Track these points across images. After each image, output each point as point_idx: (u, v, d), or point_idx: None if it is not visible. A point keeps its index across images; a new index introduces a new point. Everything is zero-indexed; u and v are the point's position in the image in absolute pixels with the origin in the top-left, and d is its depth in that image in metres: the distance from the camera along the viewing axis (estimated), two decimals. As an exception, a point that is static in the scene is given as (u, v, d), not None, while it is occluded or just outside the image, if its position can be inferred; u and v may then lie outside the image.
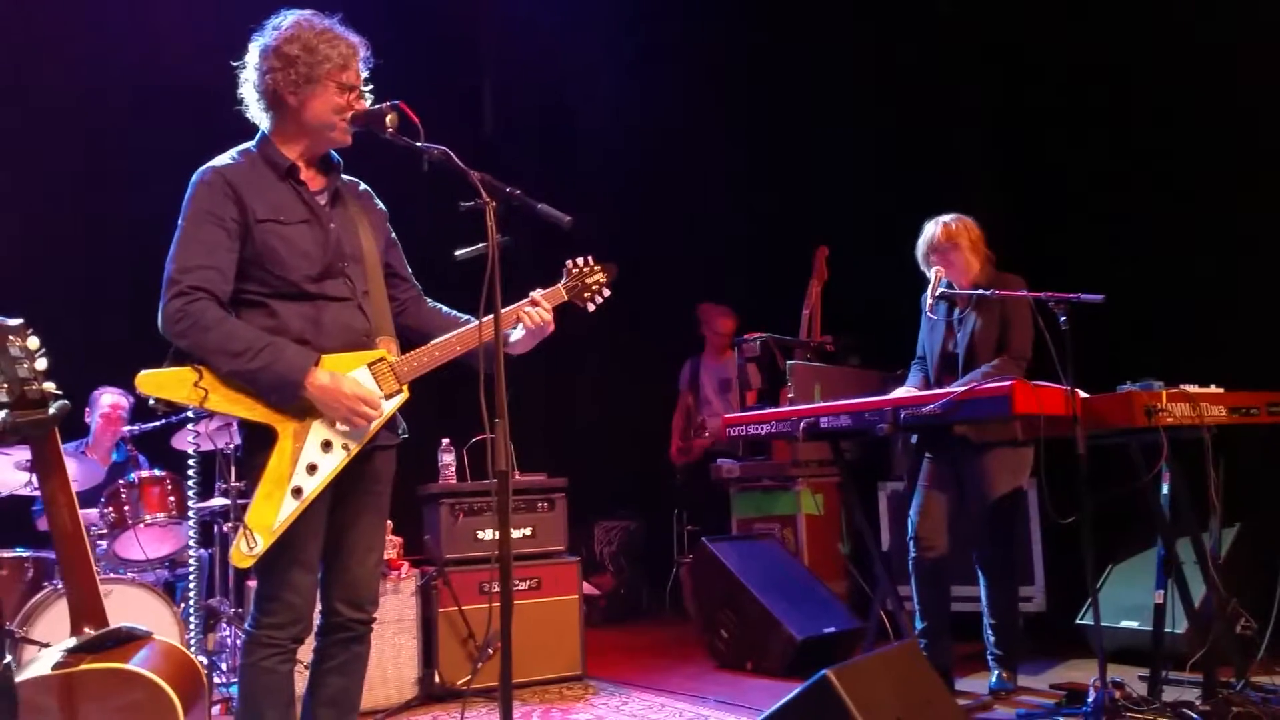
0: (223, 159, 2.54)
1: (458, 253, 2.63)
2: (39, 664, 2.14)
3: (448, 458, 4.74)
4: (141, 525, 4.47)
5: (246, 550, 2.30)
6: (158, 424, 4.60)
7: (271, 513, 2.36)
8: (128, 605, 4.13)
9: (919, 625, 4.02)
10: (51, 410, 2.08)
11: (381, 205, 2.81)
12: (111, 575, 4.31)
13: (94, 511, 4.55)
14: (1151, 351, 4.43)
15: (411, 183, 2.64)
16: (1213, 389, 3.58)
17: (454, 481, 4.69)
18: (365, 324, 2.57)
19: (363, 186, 2.78)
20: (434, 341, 2.61)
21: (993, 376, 3.69)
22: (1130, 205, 5.16)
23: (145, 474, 4.63)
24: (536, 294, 2.72)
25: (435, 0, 6.59)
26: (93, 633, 2.14)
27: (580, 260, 2.82)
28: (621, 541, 6.81)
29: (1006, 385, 3.35)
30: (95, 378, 5.10)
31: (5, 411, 2.06)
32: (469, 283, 2.43)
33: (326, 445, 2.45)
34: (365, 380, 2.50)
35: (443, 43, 6.75)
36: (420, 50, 6.40)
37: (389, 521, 4.39)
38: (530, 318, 2.67)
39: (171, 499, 4.54)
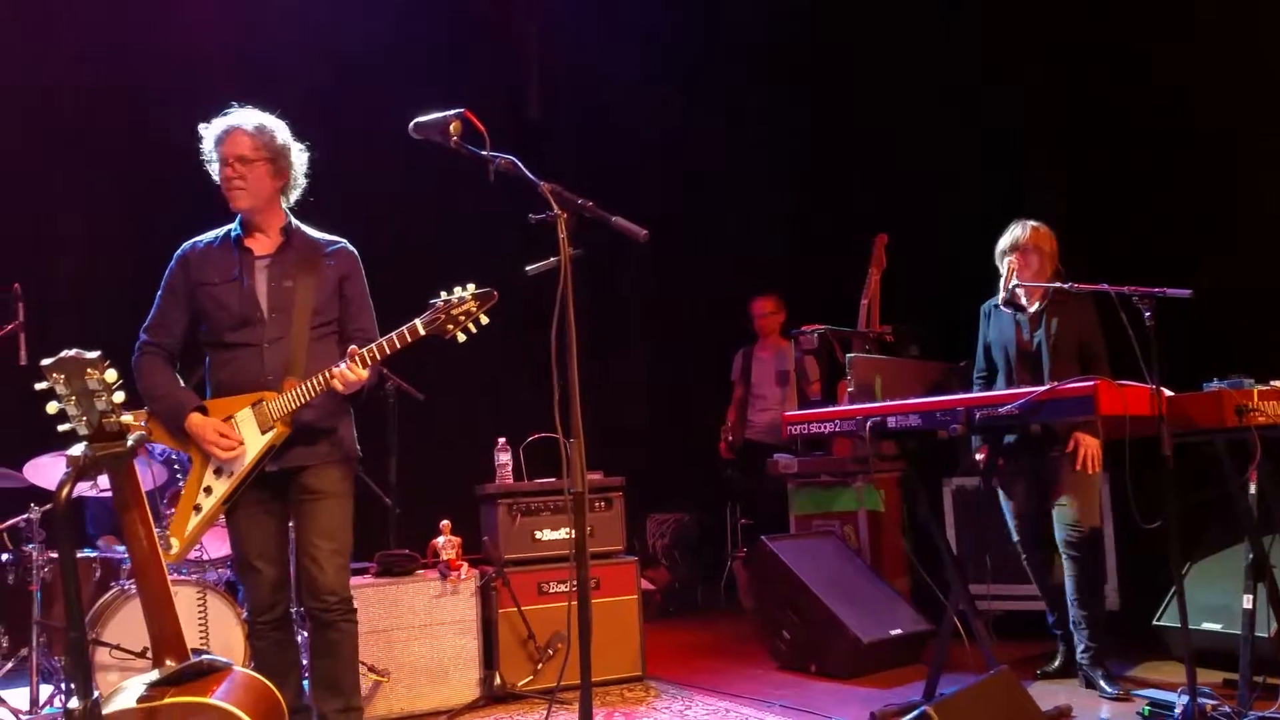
0: (204, 236, 3.10)
1: (529, 268, 2.57)
2: (123, 696, 2.10)
3: (504, 457, 4.67)
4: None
5: (164, 550, 2.75)
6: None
7: (183, 523, 2.95)
8: (190, 607, 4.12)
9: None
10: (129, 443, 2.03)
11: (340, 263, 3.08)
12: (174, 576, 4.27)
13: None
14: (1235, 345, 4.27)
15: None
16: (1306, 385, 3.44)
17: (510, 481, 4.64)
18: (261, 368, 2.94)
19: (332, 246, 3.09)
20: (308, 381, 2.89)
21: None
22: (1209, 193, 4.97)
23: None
24: (344, 363, 2.84)
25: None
26: (174, 665, 2.10)
27: (450, 296, 2.81)
28: (674, 534, 6.74)
29: (1090, 385, 3.25)
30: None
31: (85, 445, 2.01)
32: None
33: (219, 472, 2.96)
34: (245, 420, 2.92)
35: (485, 35, 6.67)
36: (463, 43, 6.33)
37: (445, 522, 4.43)
38: (342, 376, 2.82)
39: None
